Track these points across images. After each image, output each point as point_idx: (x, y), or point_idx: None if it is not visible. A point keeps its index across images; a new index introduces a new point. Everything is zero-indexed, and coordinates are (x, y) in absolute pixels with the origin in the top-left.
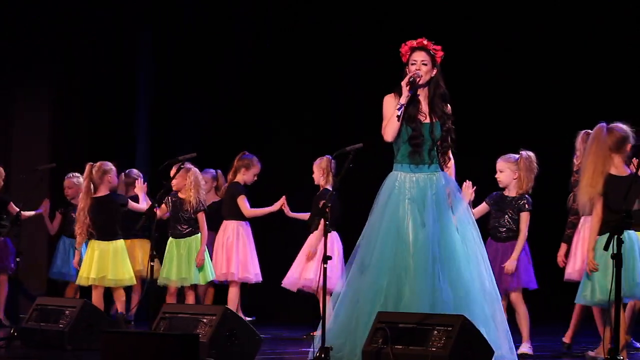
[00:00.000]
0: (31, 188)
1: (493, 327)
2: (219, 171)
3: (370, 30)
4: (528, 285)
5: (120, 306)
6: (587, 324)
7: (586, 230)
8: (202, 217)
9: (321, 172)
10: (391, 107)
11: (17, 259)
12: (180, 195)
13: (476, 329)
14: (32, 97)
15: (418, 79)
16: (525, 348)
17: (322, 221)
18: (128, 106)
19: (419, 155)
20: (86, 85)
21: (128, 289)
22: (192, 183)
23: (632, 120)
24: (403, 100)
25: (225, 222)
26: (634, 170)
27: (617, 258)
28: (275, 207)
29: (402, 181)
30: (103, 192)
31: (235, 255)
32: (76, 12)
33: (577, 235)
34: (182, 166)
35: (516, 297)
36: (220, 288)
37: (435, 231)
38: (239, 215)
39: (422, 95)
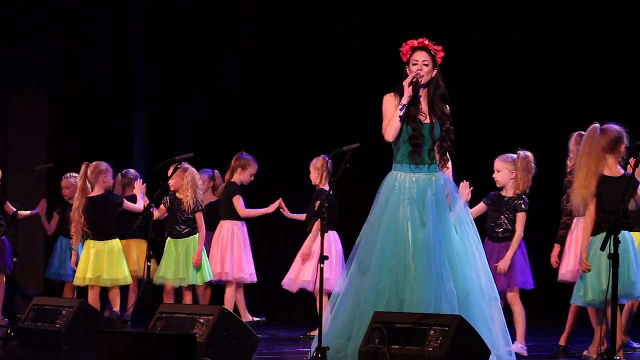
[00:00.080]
0: (28, 188)
1: (491, 327)
2: (216, 171)
3: (370, 30)
4: (524, 286)
5: (115, 307)
6: (583, 324)
7: (579, 231)
8: (200, 217)
9: (317, 172)
10: (391, 107)
11: (14, 259)
12: (178, 195)
13: (473, 329)
14: (29, 97)
15: (420, 80)
16: (518, 347)
17: (318, 221)
18: (126, 106)
19: (419, 155)
20: (84, 86)
21: (125, 289)
22: (189, 183)
23: (628, 120)
24: (405, 100)
25: (221, 222)
26: (632, 171)
27: (614, 258)
28: (270, 208)
29: (402, 181)
30: (98, 191)
31: (229, 255)
32: (75, 12)
33: (570, 235)
34: (179, 166)
35: (512, 297)
36: (218, 288)
37: (435, 231)
38: (234, 215)
39: (422, 95)
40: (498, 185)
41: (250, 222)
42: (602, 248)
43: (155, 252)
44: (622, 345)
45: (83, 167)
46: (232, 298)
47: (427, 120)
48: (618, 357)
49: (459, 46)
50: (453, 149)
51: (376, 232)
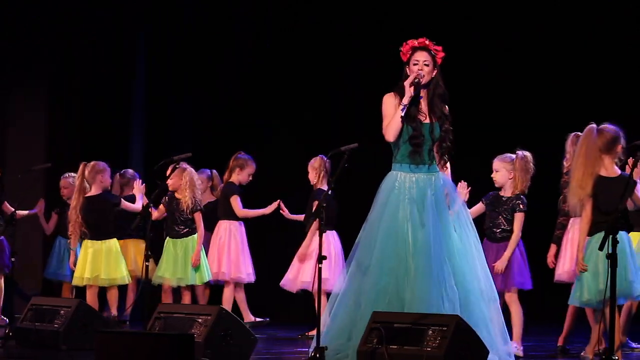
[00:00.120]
0: (27, 188)
1: (490, 327)
2: (214, 171)
3: (370, 30)
4: (522, 286)
5: (112, 307)
6: (582, 325)
7: (575, 232)
8: (198, 217)
9: (315, 172)
10: (391, 107)
11: (13, 259)
12: (176, 195)
13: (471, 329)
14: (28, 97)
15: (421, 80)
16: (514, 348)
17: (316, 221)
18: (124, 106)
19: (419, 155)
20: (83, 86)
21: (124, 289)
22: (188, 183)
23: (626, 120)
24: (406, 100)
25: (219, 222)
26: (630, 171)
27: (612, 258)
28: (268, 209)
29: (402, 181)
30: (95, 191)
31: (226, 255)
32: (74, 12)
33: (566, 236)
34: (177, 166)
35: (510, 297)
36: (217, 288)
37: (435, 231)
38: (232, 216)
39: (422, 95)
40: (496, 185)
41: (249, 222)
42: (601, 248)
43: (154, 252)
44: (620, 346)
45: (81, 166)
46: (230, 298)
47: (427, 121)
48: (616, 357)
49: (458, 46)
50: (452, 149)
51: (376, 232)
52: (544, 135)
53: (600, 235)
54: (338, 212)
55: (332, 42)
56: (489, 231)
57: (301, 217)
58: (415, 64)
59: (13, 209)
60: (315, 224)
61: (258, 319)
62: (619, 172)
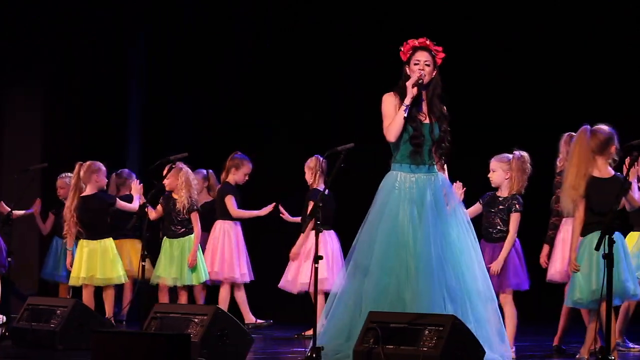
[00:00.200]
0: (23, 188)
1: (487, 327)
2: (210, 171)
3: (370, 30)
4: (518, 287)
5: (108, 307)
6: (577, 324)
7: (566, 232)
8: (195, 217)
9: (311, 172)
10: (391, 106)
11: (9, 259)
12: (173, 195)
13: (467, 329)
14: (24, 97)
15: (422, 80)
16: None
17: (311, 221)
18: (121, 106)
19: (420, 155)
20: (80, 86)
21: (120, 289)
22: (184, 183)
23: (624, 121)
24: (408, 101)
25: (215, 222)
26: (627, 171)
27: (609, 258)
28: (263, 211)
29: (402, 181)
30: (90, 191)
31: (220, 254)
32: (71, 12)
33: (558, 236)
34: (173, 166)
35: (504, 299)
36: (214, 288)
37: (435, 232)
38: (228, 215)
39: (422, 95)
40: (493, 185)
41: (246, 223)
42: (597, 248)
43: (150, 252)
44: (616, 346)
45: (77, 166)
46: (226, 298)
47: (427, 121)
48: (613, 357)
49: (457, 46)
50: (449, 150)
51: (375, 232)
52: (543, 135)
53: (593, 236)
54: (336, 211)
55: (332, 42)
56: (485, 231)
57: (299, 219)
58: (416, 64)
59: (9, 209)
60: (311, 224)
61: (259, 321)
62: (612, 172)
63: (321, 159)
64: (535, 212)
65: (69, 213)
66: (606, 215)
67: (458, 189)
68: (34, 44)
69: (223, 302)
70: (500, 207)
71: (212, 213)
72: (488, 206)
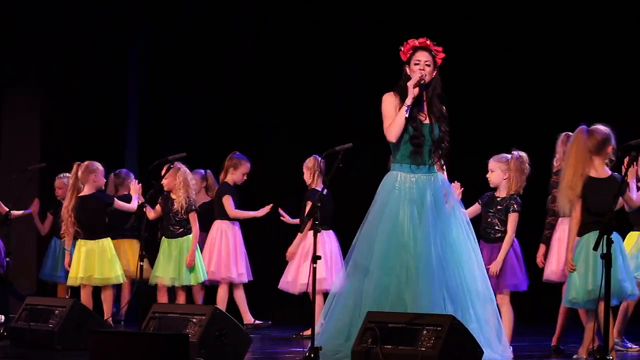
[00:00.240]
0: (21, 188)
1: (486, 328)
2: (209, 171)
3: (370, 30)
4: (516, 288)
5: (107, 309)
6: (575, 324)
7: (562, 232)
8: (193, 217)
9: (309, 172)
10: (392, 106)
11: (7, 259)
12: (171, 195)
13: (465, 329)
14: (23, 96)
15: (424, 81)
16: None
17: (310, 221)
18: (119, 106)
19: (420, 155)
20: (78, 86)
21: (119, 289)
22: (181, 183)
23: (623, 121)
24: (409, 101)
25: (214, 222)
26: (625, 171)
27: (607, 258)
28: (260, 212)
29: (402, 182)
30: (88, 191)
31: (216, 254)
32: (70, 12)
33: (554, 236)
34: (171, 166)
35: (501, 299)
36: (213, 288)
37: (435, 232)
38: (226, 215)
39: (423, 95)
40: (491, 186)
41: (245, 223)
42: (595, 248)
43: (148, 252)
44: (614, 346)
45: (75, 166)
46: (224, 298)
47: (427, 121)
48: (611, 357)
49: (458, 46)
50: (448, 150)
51: (375, 232)
52: (542, 135)
53: (589, 236)
54: (335, 212)
55: (332, 42)
56: (484, 232)
57: (298, 221)
58: (416, 64)
59: (7, 209)
60: (309, 224)
61: (258, 322)
62: (609, 173)
63: (319, 159)
64: (534, 212)
65: (66, 213)
66: (604, 215)
67: (456, 189)
68: (34, 43)
69: (221, 302)
70: (498, 207)
71: (210, 213)
72: (486, 206)
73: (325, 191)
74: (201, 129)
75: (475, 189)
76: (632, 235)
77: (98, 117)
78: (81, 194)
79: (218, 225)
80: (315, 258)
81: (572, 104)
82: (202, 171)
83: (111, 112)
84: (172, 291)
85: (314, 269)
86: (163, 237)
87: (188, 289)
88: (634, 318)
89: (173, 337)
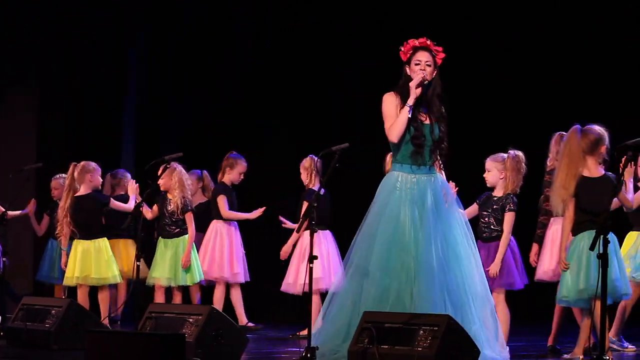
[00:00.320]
0: (18, 188)
1: (484, 328)
2: (205, 172)
3: (370, 30)
4: (511, 287)
5: (103, 310)
6: (572, 324)
7: (555, 231)
8: (189, 218)
9: (306, 172)
10: (393, 106)
11: (4, 259)
12: (168, 195)
13: (462, 329)
14: (19, 96)
15: (427, 81)
16: None
17: (306, 221)
18: (116, 106)
19: (421, 156)
20: (76, 86)
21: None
22: (177, 183)
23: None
24: (411, 101)
25: (211, 222)
26: (621, 170)
27: (604, 258)
28: (252, 215)
29: (402, 182)
30: (84, 191)
31: (210, 254)
32: (70, 12)
33: (547, 235)
34: (168, 166)
35: (496, 298)
36: (210, 289)
37: (436, 233)
38: (221, 215)
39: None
40: (488, 185)
41: (242, 224)
42: (592, 248)
43: (144, 252)
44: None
45: (71, 167)
46: (221, 298)
47: (428, 122)
48: (607, 357)
49: (455, 46)
50: (447, 150)
51: (375, 233)
52: (541, 135)
53: (583, 235)
54: (332, 212)
55: (332, 42)
56: (480, 231)
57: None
58: (417, 64)
59: (4, 209)
60: (305, 224)
61: (250, 324)
62: (602, 172)
63: (316, 158)
64: (531, 211)
65: (62, 213)
66: (599, 214)
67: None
68: (34, 43)
69: (218, 302)
70: (495, 206)
71: (206, 213)
72: (483, 206)
73: (322, 191)
74: (201, 129)
75: (475, 189)
76: (632, 235)
77: (96, 117)
78: (77, 194)
79: (214, 225)
80: (312, 258)
81: (566, 103)
82: (199, 172)
83: (109, 112)
84: (169, 291)
85: (311, 269)
86: (160, 237)
87: (185, 289)
88: (634, 319)
89: (170, 337)
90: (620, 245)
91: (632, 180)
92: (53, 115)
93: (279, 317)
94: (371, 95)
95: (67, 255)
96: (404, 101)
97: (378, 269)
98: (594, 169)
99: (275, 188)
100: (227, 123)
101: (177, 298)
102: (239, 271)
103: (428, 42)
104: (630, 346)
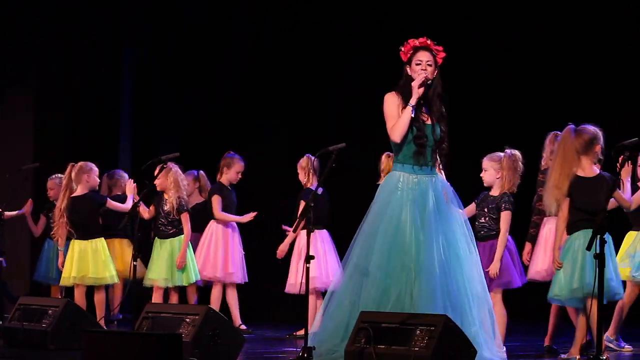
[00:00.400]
0: (15, 188)
1: (481, 328)
2: (202, 172)
3: (370, 30)
4: (508, 286)
5: (99, 311)
6: (568, 324)
7: (549, 231)
8: (185, 218)
9: (303, 172)
10: (394, 106)
11: (1, 259)
12: (164, 195)
13: (459, 329)
14: (18, 96)
15: (430, 81)
16: None
17: (303, 221)
18: (113, 107)
19: (423, 156)
20: (76, 85)
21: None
22: (172, 183)
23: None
24: (414, 101)
25: (209, 222)
26: (619, 170)
27: (600, 258)
28: (244, 218)
29: (404, 182)
30: (81, 191)
31: (204, 254)
32: (70, 12)
33: (540, 235)
34: (164, 166)
35: (493, 298)
36: (207, 289)
37: (437, 234)
38: None
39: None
40: (485, 184)
41: (240, 225)
42: (589, 248)
43: (140, 252)
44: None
45: (68, 167)
46: (218, 298)
47: (429, 122)
48: (604, 357)
49: (456, 46)
50: (447, 149)
51: (375, 233)
52: (537, 134)
53: (578, 234)
54: (330, 211)
55: (332, 42)
56: (477, 230)
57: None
58: (418, 64)
59: (1, 209)
60: (302, 224)
61: (243, 327)
62: (597, 172)
63: (312, 158)
64: (526, 210)
65: (58, 213)
66: (594, 214)
67: None
68: (33, 43)
69: (215, 303)
70: (491, 205)
71: (203, 214)
72: (480, 205)
73: (320, 190)
74: (201, 129)
75: (473, 188)
76: (631, 235)
77: (94, 117)
78: (74, 195)
79: (210, 225)
80: (309, 258)
81: (563, 103)
82: (195, 172)
83: (107, 113)
84: (167, 291)
85: (307, 269)
86: (156, 238)
87: (181, 289)
88: (633, 319)
89: (166, 337)
90: (619, 244)
91: (629, 180)
92: (52, 116)
93: (278, 317)
94: (371, 95)
95: (64, 255)
96: (405, 101)
97: (378, 269)
98: (588, 169)
99: (275, 188)
100: (227, 123)
101: (174, 298)
102: (234, 271)
103: (428, 41)
104: (627, 346)
